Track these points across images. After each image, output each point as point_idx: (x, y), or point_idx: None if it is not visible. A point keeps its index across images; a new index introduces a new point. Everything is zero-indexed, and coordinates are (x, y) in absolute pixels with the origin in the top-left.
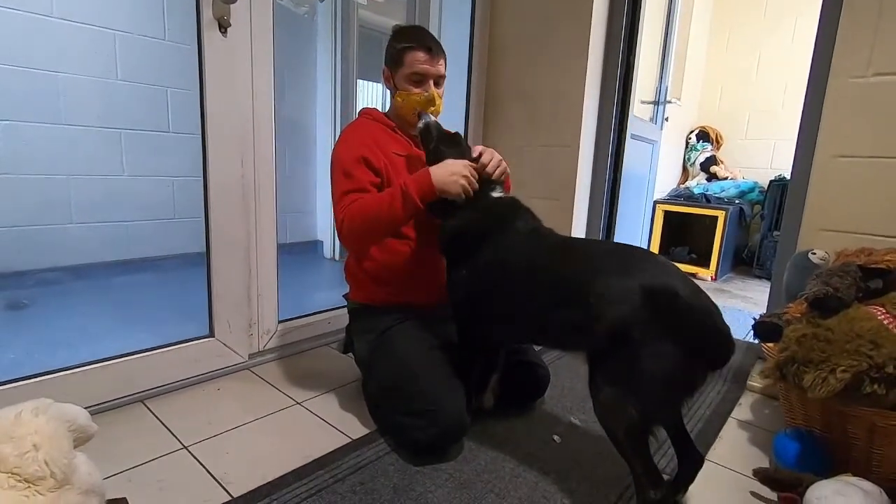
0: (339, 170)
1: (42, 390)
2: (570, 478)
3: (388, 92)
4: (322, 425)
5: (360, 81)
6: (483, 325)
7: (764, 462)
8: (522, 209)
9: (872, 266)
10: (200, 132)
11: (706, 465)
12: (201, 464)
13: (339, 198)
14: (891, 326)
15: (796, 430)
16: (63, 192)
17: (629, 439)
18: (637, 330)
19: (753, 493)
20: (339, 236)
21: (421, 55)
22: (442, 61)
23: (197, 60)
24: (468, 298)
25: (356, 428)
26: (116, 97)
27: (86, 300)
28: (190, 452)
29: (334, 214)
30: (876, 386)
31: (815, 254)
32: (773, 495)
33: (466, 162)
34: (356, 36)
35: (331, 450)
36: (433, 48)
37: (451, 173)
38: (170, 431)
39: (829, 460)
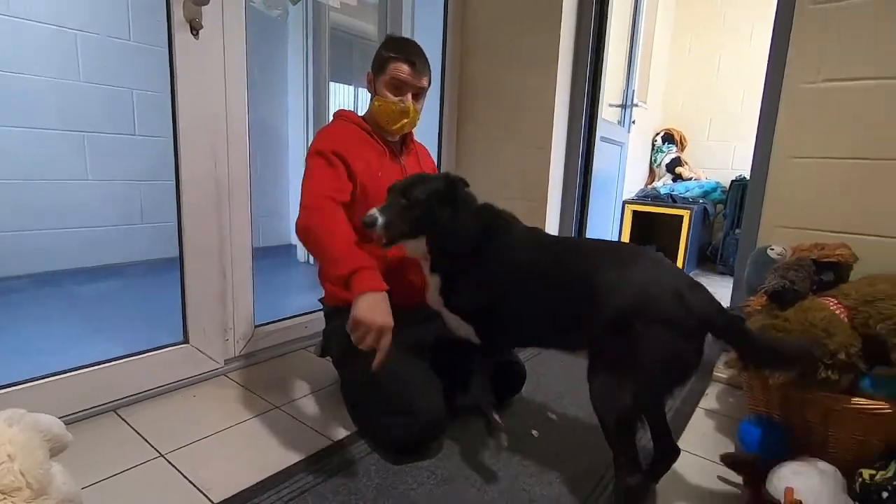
0: (315, 154)
1: (11, 401)
2: (548, 470)
3: (365, 96)
4: (302, 428)
5: (332, 84)
6: (499, 327)
7: (730, 448)
8: (505, 212)
9: (825, 260)
10: (172, 135)
11: None
12: (179, 471)
13: (311, 182)
14: (842, 316)
15: (759, 416)
16: (23, 198)
17: (619, 426)
18: (638, 320)
19: (720, 478)
20: (297, 221)
21: (405, 67)
22: (425, 78)
23: (168, 62)
24: (484, 306)
25: (336, 430)
26: (79, 99)
27: (51, 308)
28: (167, 460)
29: (302, 199)
30: (829, 372)
31: (773, 249)
32: (738, 478)
33: (385, 326)
34: (328, 39)
35: (312, 452)
36: (417, 63)
37: (372, 313)
38: (145, 440)
39: (789, 444)
